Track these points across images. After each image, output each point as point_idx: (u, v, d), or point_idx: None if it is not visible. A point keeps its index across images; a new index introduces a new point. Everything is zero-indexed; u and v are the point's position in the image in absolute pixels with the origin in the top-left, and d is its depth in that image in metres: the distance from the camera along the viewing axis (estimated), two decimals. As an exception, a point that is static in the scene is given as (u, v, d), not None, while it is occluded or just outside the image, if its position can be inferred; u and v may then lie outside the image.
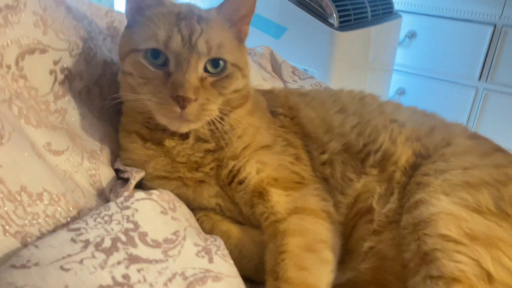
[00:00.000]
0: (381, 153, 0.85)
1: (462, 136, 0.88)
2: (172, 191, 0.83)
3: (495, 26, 2.58)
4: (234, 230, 0.83)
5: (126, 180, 0.83)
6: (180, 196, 0.84)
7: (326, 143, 0.89)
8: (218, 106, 0.79)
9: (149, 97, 0.76)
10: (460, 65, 2.75)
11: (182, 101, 0.73)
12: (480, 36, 2.63)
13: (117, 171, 0.88)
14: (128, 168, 0.85)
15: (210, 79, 0.78)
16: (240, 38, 0.87)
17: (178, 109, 0.73)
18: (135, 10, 0.83)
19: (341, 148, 0.88)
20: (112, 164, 0.90)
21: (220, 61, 0.79)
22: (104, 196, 0.80)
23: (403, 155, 0.84)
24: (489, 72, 2.67)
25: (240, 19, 0.85)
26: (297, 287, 0.67)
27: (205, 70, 0.78)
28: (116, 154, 0.92)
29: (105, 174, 0.84)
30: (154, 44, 0.76)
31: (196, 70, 0.76)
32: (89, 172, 0.80)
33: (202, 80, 0.77)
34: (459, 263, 0.64)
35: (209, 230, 0.83)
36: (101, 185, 0.82)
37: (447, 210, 0.70)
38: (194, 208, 0.86)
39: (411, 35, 2.86)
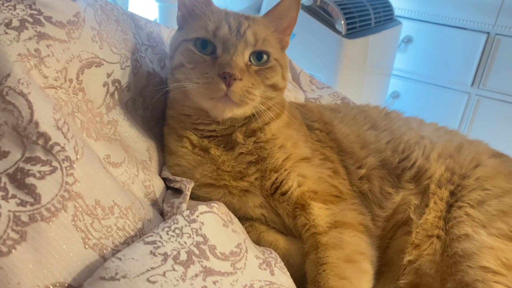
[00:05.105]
0: (416, 169, 0.91)
1: (487, 155, 0.95)
2: (219, 199, 0.88)
3: (489, 34, 2.69)
4: (280, 240, 0.87)
5: (176, 190, 0.87)
6: (226, 205, 0.88)
7: (363, 158, 0.95)
8: (260, 94, 0.85)
9: (195, 80, 0.82)
10: (454, 71, 2.84)
11: (228, 78, 0.78)
12: (474, 44, 2.73)
13: (164, 180, 0.92)
14: (178, 178, 0.88)
15: (254, 67, 0.86)
16: (282, 46, 0.95)
17: (224, 87, 0.79)
18: (187, 15, 0.90)
19: (378, 164, 0.94)
20: (159, 173, 0.93)
21: (264, 55, 0.87)
22: (157, 206, 0.84)
23: (437, 170, 0.90)
24: (481, 78, 2.78)
25: (283, 30, 0.93)
26: None
27: (249, 60, 0.85)
28: (160, 163, 0.96)
29: (157, 185, 0.87)
30: (203, 33, 0.84)
31: (243, 55, 0.83)
32: (144, 183, 0.83)
33: (247, 66, 0.84)
34: None
35: (255, 240, 0.87)
36: (155, 195, 0.85)
37: (486, 244, 0.77)
38: (240, 217, 0.90)
39: (407, 40, 2.94)
